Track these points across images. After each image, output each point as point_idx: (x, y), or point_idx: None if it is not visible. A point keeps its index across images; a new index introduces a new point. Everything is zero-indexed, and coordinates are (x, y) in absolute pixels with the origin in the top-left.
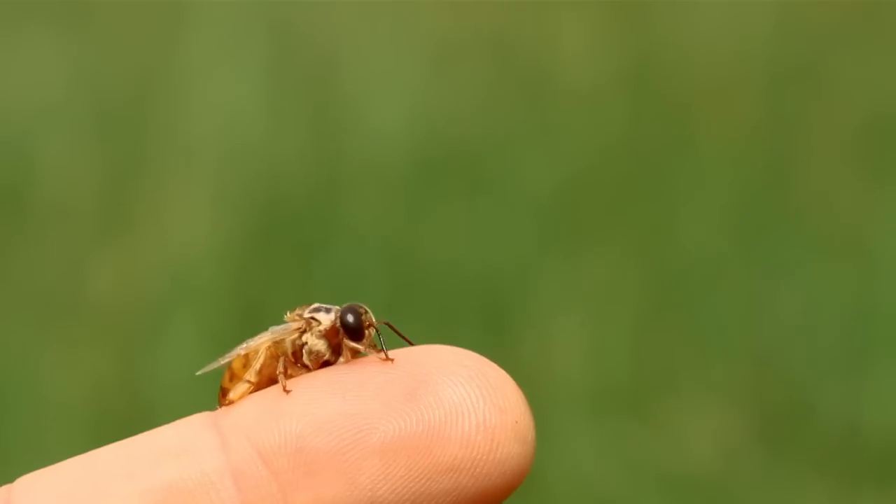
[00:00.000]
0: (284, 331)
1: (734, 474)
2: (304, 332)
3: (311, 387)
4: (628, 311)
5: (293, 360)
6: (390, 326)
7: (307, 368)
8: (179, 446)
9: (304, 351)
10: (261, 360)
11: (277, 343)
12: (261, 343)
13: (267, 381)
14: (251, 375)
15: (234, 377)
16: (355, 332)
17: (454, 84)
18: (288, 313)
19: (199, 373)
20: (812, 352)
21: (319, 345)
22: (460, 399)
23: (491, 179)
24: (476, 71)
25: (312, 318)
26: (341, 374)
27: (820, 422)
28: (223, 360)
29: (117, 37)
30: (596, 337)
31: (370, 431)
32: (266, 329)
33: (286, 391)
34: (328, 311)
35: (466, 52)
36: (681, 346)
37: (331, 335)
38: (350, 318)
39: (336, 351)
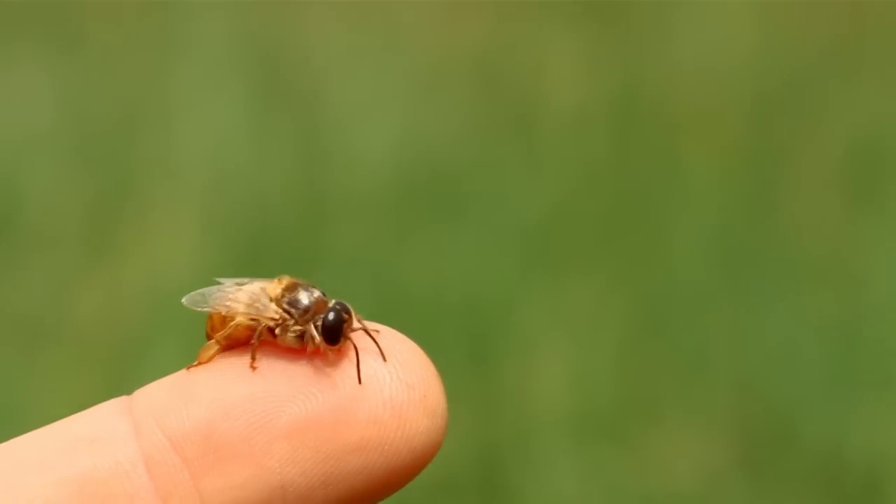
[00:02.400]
0: (261, 312)
1: (717, 500)
2: (279, 324)
3: (220, 369)
4: (612, 337)
5: (267, 333)
6: (366, 332)
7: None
8: (93, 434)
9: (276, 336)
10: (231, 330)
11: (254, 318)
12: (238, 312)
13: (236, 342)
14: (221, 339)
15: (215, 329)
16: (332, 341)
17: (440, 110)
18: (275, 282)
19: (183, 300)
20: (795, 378)
21: (292, 342)
22: (366, 376)
23: (476, 205)
24: (461, 97)
25: (288, 312)
26: (249, 356)
27: (803, 448)
28: (206, 307)
29: (105, 63)
30: (579, 363)
31: (277, 414)
32: (256, 277)
33: (253, 367)
34: (305, 308)
35: (452, 79)
36: (664, 371)
37: (304, 334)
38: (330, 330)
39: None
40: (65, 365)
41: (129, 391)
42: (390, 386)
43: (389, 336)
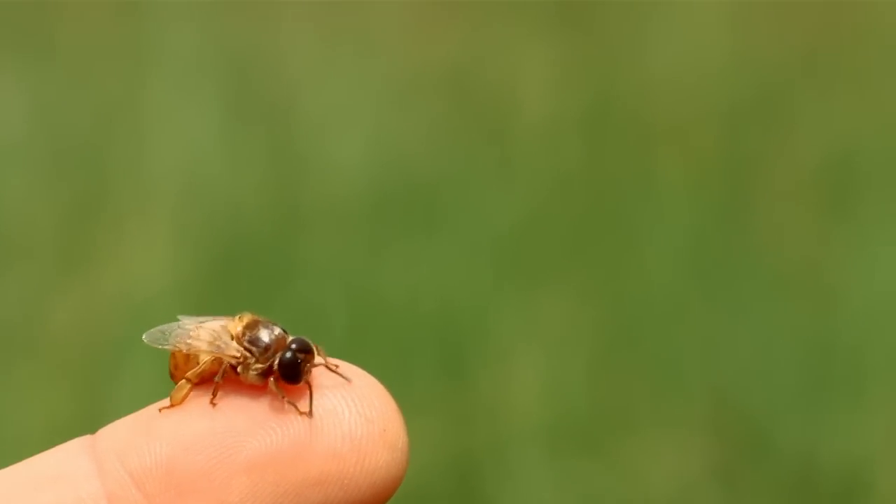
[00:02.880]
0: (223, 351)
1: None
2: (240, 363)
3: (182, 406)
4: (586, 347)
5: (230, 370)
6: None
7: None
8: (57, 472)
9: (238, 373)
10: (203, 368)
11: (216, 358)
12: (201, 350)
13: (206, 378)
14: (193, 376)
15: (178, 367)
16: (291, 380)
17: (413, 120)
18: (236, 319)
19: (144, 337)
20: (769, 387)
21: (254, 379)
22: (326, 411)
23: (449, 215)
24: (435, 107)
25: (249, 350)
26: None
27: (777, 457)
28: (166, 345)
29: (78, 73)
30: (553, 372)
31: (237, 449)
32: (219, 316)
33: (213, 404)
34: (265, 347)
35: (425, 89)
36: (638, 381)
37: (266, 372)
38: (288, 368)
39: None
40: (39, 375)
41: (102, 401)
42: (349, 420)
43: (348, 371)
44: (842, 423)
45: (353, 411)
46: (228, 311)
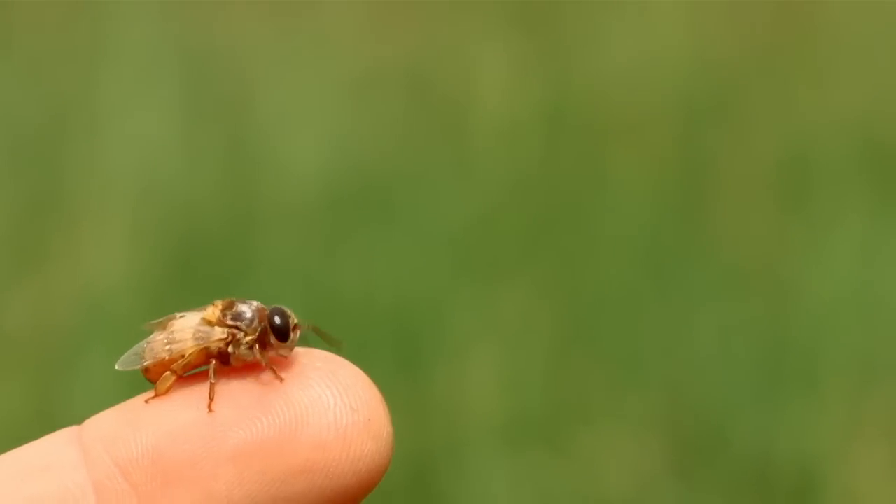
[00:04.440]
0: (208, 337)
1: None
2: (230, 342)
3: (167, 396)
4: (542, 343)
5: (219, 360)
6: (316, 331)
7: (230, 366)
8: (43, 462)
9: (230, 357)
10: (188, 360)
11: (203, 348)
12: (185, 347)
13: (190, 368)
14: (178, 368)
15: (160, 364)
16: (282, 335)
17: (370, 118)
18: (210, 308)
19: (118, 367)
20: (725, 383)
21: (247, 355)
22: (311, 400)
23: (406, 213)
24: (392, 105)
25: (236, 326)
26: (198, 383)
27: (733, 452)
28: (146, 362)
29: (33, 71)
30: (510, 368)
31: (223, 438)
32: (182, 314)
33: (211, 410)
34: (251, 318)
35: (382, 87)
36: (595, 377)
37: (256, 342)
38: (278, 322)
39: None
40: None
41: (58, 396)
42: (334, 409)
43: (332, 361)
44: (797, 420)
45: (338, 401)
46: (184, 307)
